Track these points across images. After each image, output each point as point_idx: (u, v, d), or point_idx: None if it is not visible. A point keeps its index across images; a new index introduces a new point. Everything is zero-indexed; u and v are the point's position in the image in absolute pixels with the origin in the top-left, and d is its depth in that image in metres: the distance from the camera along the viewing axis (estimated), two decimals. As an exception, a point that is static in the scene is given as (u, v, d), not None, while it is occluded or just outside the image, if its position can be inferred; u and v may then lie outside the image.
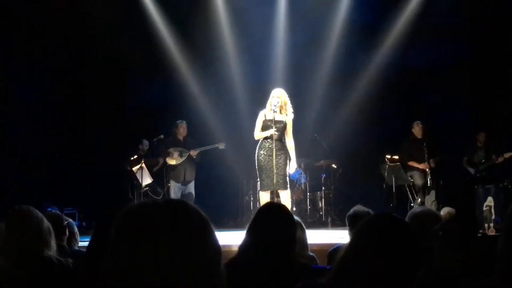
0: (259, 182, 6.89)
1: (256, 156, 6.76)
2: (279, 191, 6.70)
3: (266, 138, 6.67)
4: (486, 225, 7.25)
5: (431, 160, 8.75)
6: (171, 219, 1.14)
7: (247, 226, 2.64)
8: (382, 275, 1.66)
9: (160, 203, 1.17)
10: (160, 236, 1.11)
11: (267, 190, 6.66)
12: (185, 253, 1.11)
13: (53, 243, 2.84)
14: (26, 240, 2.68)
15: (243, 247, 2.59)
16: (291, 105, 6.80)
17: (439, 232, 1.87)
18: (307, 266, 3.02)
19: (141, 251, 1.10)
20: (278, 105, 6.64)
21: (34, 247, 2.68)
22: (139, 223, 1.13)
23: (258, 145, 6.76)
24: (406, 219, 3.26)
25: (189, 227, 1.15)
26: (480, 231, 7.12)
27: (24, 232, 2.69)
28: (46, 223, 2.85)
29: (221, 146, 8.92)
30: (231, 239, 5.26)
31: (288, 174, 6.79)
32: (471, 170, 9.18)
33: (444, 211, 5.01)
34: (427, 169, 8.70)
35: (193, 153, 8.83)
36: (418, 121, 9.07)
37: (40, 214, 2.86)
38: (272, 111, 6.56)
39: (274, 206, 2.89)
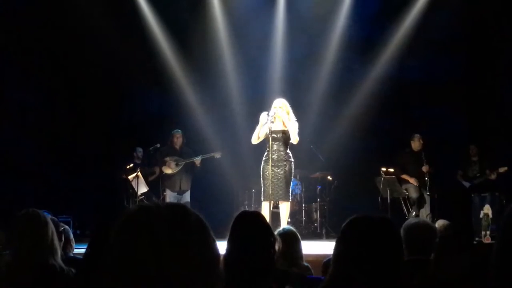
0: (262, 192, 6.89)
1: (261, 166, 6.78)
2: (279, 202, 6.72)
3: (268, 148, 6.68)
4: (482, 232, 7.26)
5: (430, 168, 8.76)
6: (172, 222, 1.14)
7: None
8: (370, 271, 1.73)
9: (162, 206, 1.17)
10: (160, 239, 1.11)
11: (267, 200, 6.68)
12: (185, 257, 1.11)
13: (59, 248, 2.83)
14: (37, 247, 2.65)
15: (225, 256, 2.60)
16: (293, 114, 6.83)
17: (435, 240, 1.89)
18: (301, 275, 3.02)
19: (141, 254, 1.10)
20: (274, 115, 6.65)
21: (42, 254, 2.65)
22: (140, 226, 1.13)
23: (265, 154, 6.77)
24: (401, 230, 3.27)
25: (190, 231, 1.15)
26: (476, 239, 7.13)
27: (33, 236, 2.66)
28: (52, 226, 2.83)
29: (217, 155, 8.92)
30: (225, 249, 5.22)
31: (290, 186, 6.82)
32: (466, 184, 9.21)
33: (439, 223, 5.01)
34: (426, 178, 8.72)
35: (198, 161, 8.80)
36: (418, 134, 9.09)
37: (48, 218, 2.83)
38: (269, 121, 6.57)
39: (248, 214, 2.90)
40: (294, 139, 6.72)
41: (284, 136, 6.73)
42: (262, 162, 6.80)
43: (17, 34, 9.71)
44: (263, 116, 6.73)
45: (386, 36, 10.18)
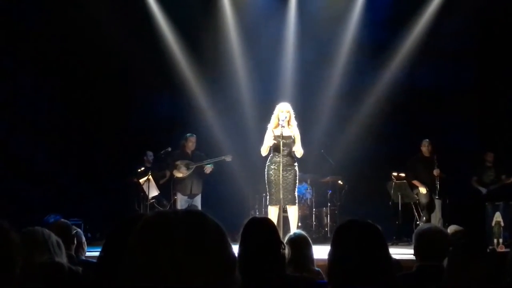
0: (268, 197, 6.91)
1: (266, 170, 6.80)
2: (287, 206, 6.73)
3: (275, 152, 6.70)
4: (495, 240, 7.23)
5: (441, 172, 8.76)
6: (191, 229, 1.16)
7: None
8: (364, 270, 1.94)
9: (180, 213, 1.19)
10: (179, 245, 1.13)
11: (276, 204, 6.68)
12: (204, 263, 1.13)
13: (64, 256, 2.85)
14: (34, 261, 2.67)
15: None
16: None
17: (448, 248, 1.90)
18: (311, 280, 3.04)
19: (160, 260, 1.12)
20: (286, 120, 6.68)
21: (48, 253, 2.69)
22: (158, 232, 1.15)
23: (269, 159, 6.80)
24: (413, 236, 3.28)
25: (208, 237, 1.17)
26: (490, 247, 7.10)
27: (30, 255, 2.67)
28: (54, 237, 2.85)
29: (228, 158, 8.92)
30: (236, 253, 5.24)
31: (296, 190, 6.83)
32: (483, 190, 9.21)
33: (451, 229, 4.99)
34: (437, 183, 8.71)
35: (208, 169, 8.83)
36: (427, 140, 9.09)
37: (46, 232, 2.85)
38: (280, 126, 6.59)
39: (257, 221, 2.94)
40: (299, 152, 6.74)
41: (292, 141, 6.75)
42: (266, 166, 6.81)
43: (27, 39, 9.78)
44: (269, 132, 6.77)
45: (397, 41, 10.16)
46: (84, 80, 10.31)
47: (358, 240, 2.01)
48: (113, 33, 9.52)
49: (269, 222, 2.93)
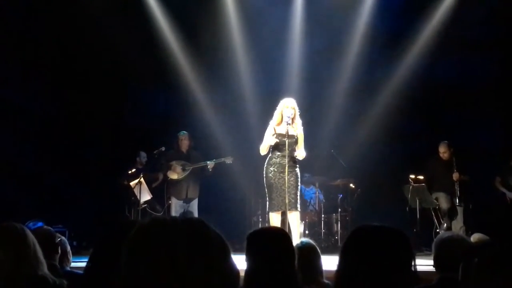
0: (268, 202, 6.89)
1: (264, 172, 6.76)
2: (288, 211, 6.68)
3: (275, 152, 6.68)
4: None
5: (461, 175, 8.75)
6: (191, 239, 1.15)
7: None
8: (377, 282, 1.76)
9: (179, 221, 1.18)
10: (179, 256, 1.12)
11: (278, 210, 6.65)
12: (205, 275, 1.12)
13: (44, 262, 2.86)
14: (21, 258, 2.70)
15: (247, 273, 2.66)
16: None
17: (474, 259, 1.87)
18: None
19: (158, 271, 1.11)
20: (292, 116, 6.67)
21: (28, 265, 2.70)
22: (157, 242, 1.15)
23: (267, 160, 6.76)
24: (433, 245, 3.27)
25: (210, 247, 1.16)
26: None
27: (18, 249, 2.71)
28: (32, 238, 2.87)
29: (228, 160, 8.91)
30: (237, 264, 5.23)
31: (298, 194, 6.81)
32: (508, 193, 9.18)
33: (475, 237, 4.96)
34: (457, 187, 8.70)
35: (211, 165, 8.80)
36: (445, 141, 9.07)
37: (26, 230, 2.88)
38: (286, 123, 6.58)
39: (270, 232, 2.95)
40: (301, 155, 6.73)
41: (295, 141, 6.73)
42: (265, 168, 6.76)
43: (16, 33, 9.79)
44: (271, 129, 6.75)
45: (415, 30, 10.14)
46: (72, 74, 10.32)
47: (379, 250, 1.80)
48: (103, 22, 9.49)
49: (283, 233, 2.93)
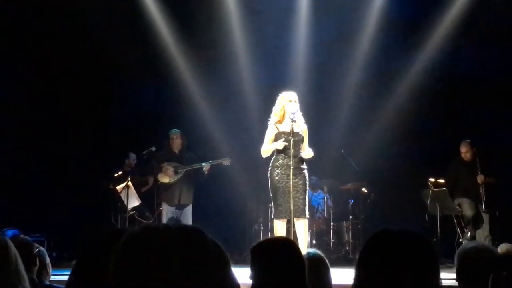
0: (273, 208, 6.87)
1: (269, 175, 6.74)
2: (294, 219, 6.64)
3: (280, 152, 6.66)
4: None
5: (486, 178, 8.76)
6: (187, 249, 1.14)
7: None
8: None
9: (173, 229, 1.18)
10: (173, 269, 1.12)
11: (285, 218, 6.62)
12: None
13: (26, 277, 2.86)
14: (1, 272, 2.69)
15: (254, 286, 2.69)
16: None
17: (502, 272, 1.86)
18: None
19: (151, 285, 1.11)
20: (296, 112, 6.66)
21: (8, 280, 2.69)
22: (149, 252, 1.14)
23: (272, 162, 6.74)
24: (456, 256, 3.27)
25: (207, 259, 1.15)
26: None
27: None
28: (14, 249, 2.86)
29: (226, 162, 8.90)
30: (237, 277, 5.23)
31: (306, 199, 6.80)
32: None
33: (502, 248, 4.96)
34: (481, 191, 8.70)
35: (207, 167, 8.80)
36: (467, 140, 9.05)
37: (7, 240, 2.87)
38: (291, 120, 6.56)
39: (280, 244, 2.97)
40: (308, 154, 6.72)
41: (301, 139, 6.72)
42: (269, 171, 6.72)
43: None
44: (272, 128, 6.75)
45: (434, 18, 10.12)
46: (52, 65, 10.28)
47: (403, 258, 1.74)
48: (84, 8, 9.47)
49: (291, 242, 2.94)
